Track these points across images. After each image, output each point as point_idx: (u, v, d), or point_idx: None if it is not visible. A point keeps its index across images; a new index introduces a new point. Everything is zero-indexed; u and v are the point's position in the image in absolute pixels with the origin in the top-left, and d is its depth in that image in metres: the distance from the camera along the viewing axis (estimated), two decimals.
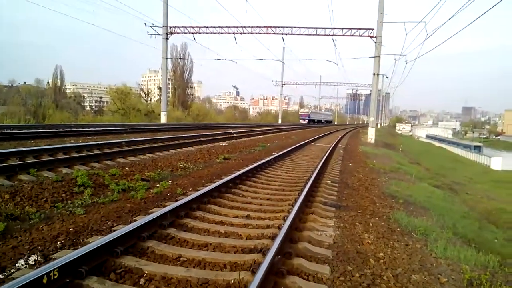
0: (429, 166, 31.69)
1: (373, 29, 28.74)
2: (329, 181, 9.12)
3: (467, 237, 7.07)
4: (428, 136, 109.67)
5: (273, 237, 4.35)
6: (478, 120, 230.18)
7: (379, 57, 28.49)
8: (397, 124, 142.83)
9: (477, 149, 73.06)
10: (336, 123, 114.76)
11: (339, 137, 28.34)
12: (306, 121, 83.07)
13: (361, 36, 29.95)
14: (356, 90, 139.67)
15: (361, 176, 11.15)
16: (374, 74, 28.98)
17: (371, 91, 32.89)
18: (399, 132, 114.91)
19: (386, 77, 65.47)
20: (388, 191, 9.29)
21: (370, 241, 4.96)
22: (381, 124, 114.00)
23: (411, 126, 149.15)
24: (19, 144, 11.39)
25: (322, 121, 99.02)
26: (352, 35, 30.67)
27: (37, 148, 9.82)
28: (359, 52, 43.82)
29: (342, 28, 31.39)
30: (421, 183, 13.72)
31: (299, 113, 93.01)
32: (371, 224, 5.85)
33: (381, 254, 4.54)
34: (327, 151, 14.98)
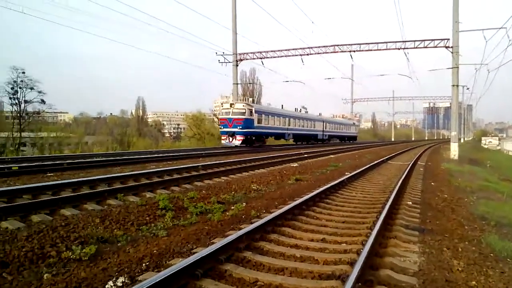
0: None
1: (448, 39, 27.23)
2: (410, 202, 8.59)
3: None
4: None
5: (351, 263, 4.18)
6: None
7: (457, 67, 26.74)
8: (483, 138, 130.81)
9: None
10: (413, 139, 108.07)
11: (418, 154, 26.74)
12: (239, 141, 31.30)
13: (436, 47, 28.52)
14: (434, 104, 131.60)
15: (446, 196, 10.33)
16: (453, 85, 27.20)
17: (450, 103, 30.76)
18: (485, 146, 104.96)
19: (467, 88, 60.85)
20: (477, 212, 8.47)
21: (460, 268, 4.54)
22: (464, 139, 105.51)
23: (499, 139, 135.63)
24: (107, 171, 12.45)
25: (311, 136, 46.71)
26: (426, 47, 29.33)
27: (123, 174, 10.67)
28: (434, 63, 41.58)
29: (415, 41, 30.22)
30: None
31: (219, 116, 38.51)
32: (460, 249, 5.35)
33: (474, 282, 4.13)
34: (406, 170, 14.19)
